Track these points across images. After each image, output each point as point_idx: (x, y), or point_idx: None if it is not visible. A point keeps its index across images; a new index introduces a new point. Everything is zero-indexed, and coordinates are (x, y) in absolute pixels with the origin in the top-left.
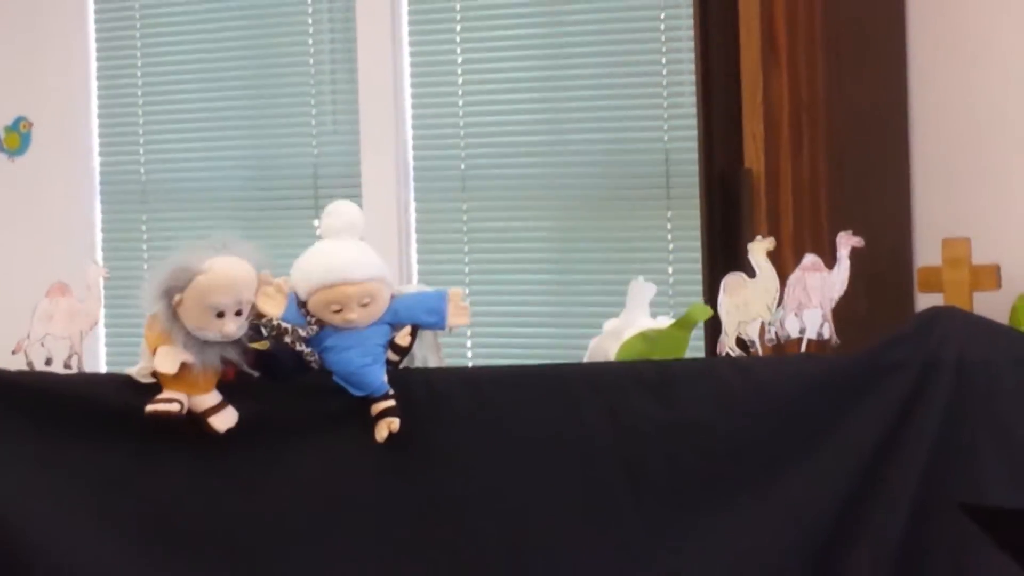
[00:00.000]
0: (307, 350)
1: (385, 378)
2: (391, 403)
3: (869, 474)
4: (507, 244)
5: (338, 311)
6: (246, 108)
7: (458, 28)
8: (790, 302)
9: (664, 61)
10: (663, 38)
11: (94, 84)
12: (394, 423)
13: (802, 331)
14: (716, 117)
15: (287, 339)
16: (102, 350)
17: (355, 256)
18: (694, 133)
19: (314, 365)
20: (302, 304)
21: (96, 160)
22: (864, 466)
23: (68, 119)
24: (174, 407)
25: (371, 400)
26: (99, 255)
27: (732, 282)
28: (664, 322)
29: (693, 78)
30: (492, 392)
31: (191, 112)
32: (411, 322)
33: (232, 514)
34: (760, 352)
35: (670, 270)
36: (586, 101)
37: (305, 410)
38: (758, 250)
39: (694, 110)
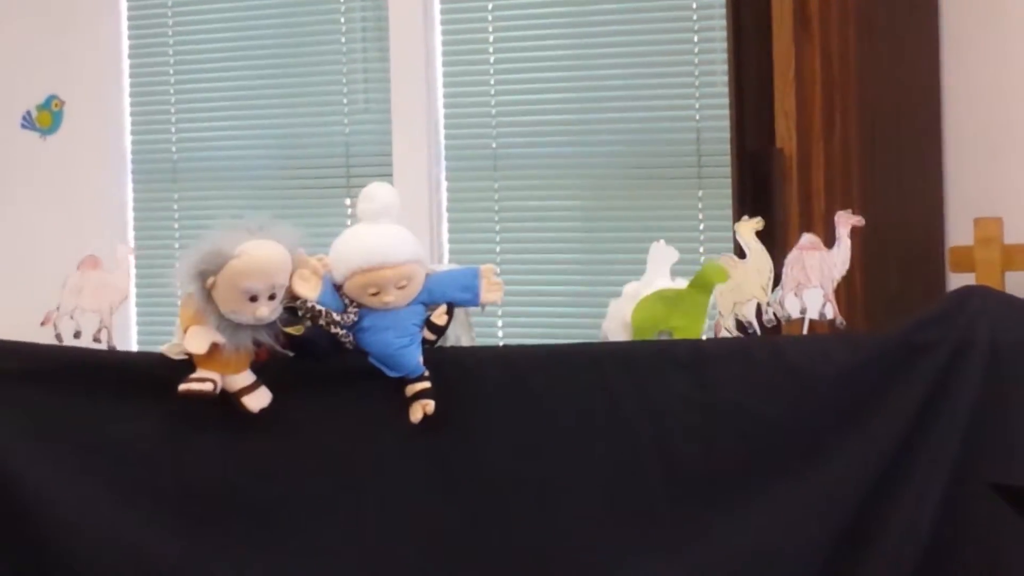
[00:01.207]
0: (342, 331)
1: (421, 359)
2: (427, 385)
3: (901, 455)
4: (538, 222)
5: (375, 294)
6: (278, 87)
7: (490, 7)
8: (788, 282)
9: (696, 39)
10: (695, 16)
11: (126, 63)
12: (429, 405)
13: (803, 311)
14: (748, 95)
15: (322, 322)
16: (133, 328)
17: (392, 240)
18: (726, 112)
19: (349, 346)
20: (338, 287)
21: (128, 139)
22: (896, 447)
23: (100, 98)
24: (207, 387)
25: (405, 381)
26: (130, 234)
27: (724, 264)
28: (683, 284)
29: (725, 56)
30: (524, 371)
31: (223, 91)
32: (444, 300)
33: (264, 493)
34: (758, 333)
35: (701, 249)
36: (617, 79)
37: (339, 391)
38: (746, 230)
39: (726, 88)
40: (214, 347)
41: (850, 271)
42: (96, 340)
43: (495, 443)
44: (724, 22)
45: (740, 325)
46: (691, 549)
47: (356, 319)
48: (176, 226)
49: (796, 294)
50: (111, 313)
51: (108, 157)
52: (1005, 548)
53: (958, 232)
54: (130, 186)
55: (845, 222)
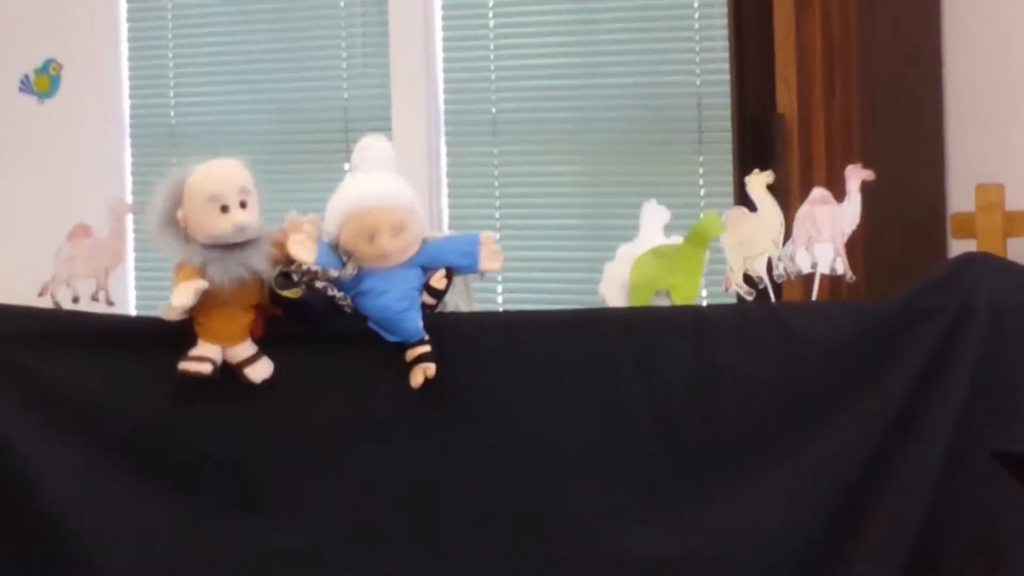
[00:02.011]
0: (339, 294)
1: (421, 323)
2: (427, 348)
3: (903, 419)
4: (538, 188)
5: (370, 239)
6: (276, 50)
7: None
8: (799, 236)
9: (696, 4)
10: None
11: (124, 26)
12: (430, 368)
13: (814, 266)
14: (748, 61)
15: (319, 283)
16: (132, 293)
17: (388, 184)
18: (726, 77)
19: (347, 310)
20: (335, 247)
21: (126, 102)
22: (898, 411)
23: (98, 61)
24: (205, 368)
25: (405, 345)
26: (128, 198)
27: (734, 217)
28: (678, 239)
29: (725, 21)
30: (525, 337)
31: (221, 54)
32: (443, 263)
33: (265, 458)
34: (769, 287)
35: (701, 216)
36: (618, 45)
37: (339, 355)
38: (757, 183)
39: (726, 54)
40: (214, 308)
41: (852, 237)
42: (95, 299)
43: (495, 408)
44: None
45: (749, 279)
46: (690, 515)
47: (354, 272)
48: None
49: (807, 248)
50: (107, 276)
51: (106, 121)
52: (1004, 512)
53: (959, 198)
54: (128, 150)
55: (856, 176)
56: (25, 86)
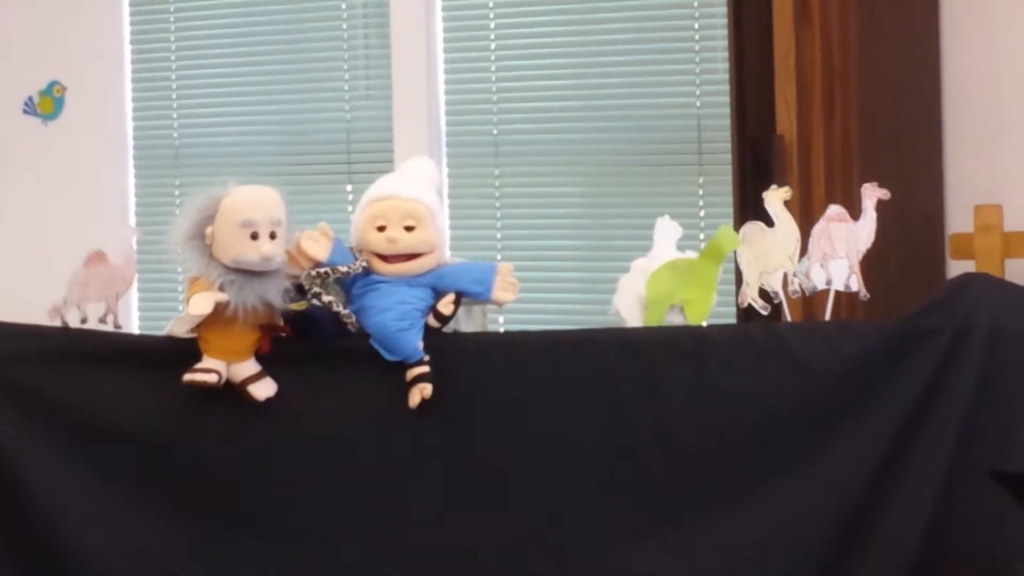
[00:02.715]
0: (344, 311)
1: (420, 344)
2: (425, 369)
3: (902, 442)
4: (539, 209)
5: (381, 228)
6: (279, 73)
7: None
8: (815, 252)
9: (697, 27)
10: (696, 3)
11: (127, 48)
12: (426, 389)
13: (828, 282)
14: (748, 82)
15: (325, 298)
16: (135, 314)
17: (412, 180)
18: (726, 99)
19: (351, 328)
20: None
21: (129, 124)
22: (897, 434)
23: (101, 83)
24: (211, 378)
25: (406, 365)
26: (132, 220)
27: (750, 232)
28: (693, 255)
29: (726, 43)
30: (526, 357)
31: (224, 77)
32: (455, 288)
33: (265, 477)
34: (784, 303)
35: (701, 236)
36: (619, 66)
37: (340, 374)
38: (774, 199)
39: (726, 75)
40: (221, 326)
41: None
42: (102, 322)
43: (496, 428)
44: (725, 9)
45: (764, 294)
46: (692, 533)
47: (364, 265)
48: (177, 212)
49: (822, 265)
50: (117, 300)
51: (110, 143)
52: (1003, 529)
53: (958, 219)
54: (132, 172)
55: (871, 194)
56: (29, 108)
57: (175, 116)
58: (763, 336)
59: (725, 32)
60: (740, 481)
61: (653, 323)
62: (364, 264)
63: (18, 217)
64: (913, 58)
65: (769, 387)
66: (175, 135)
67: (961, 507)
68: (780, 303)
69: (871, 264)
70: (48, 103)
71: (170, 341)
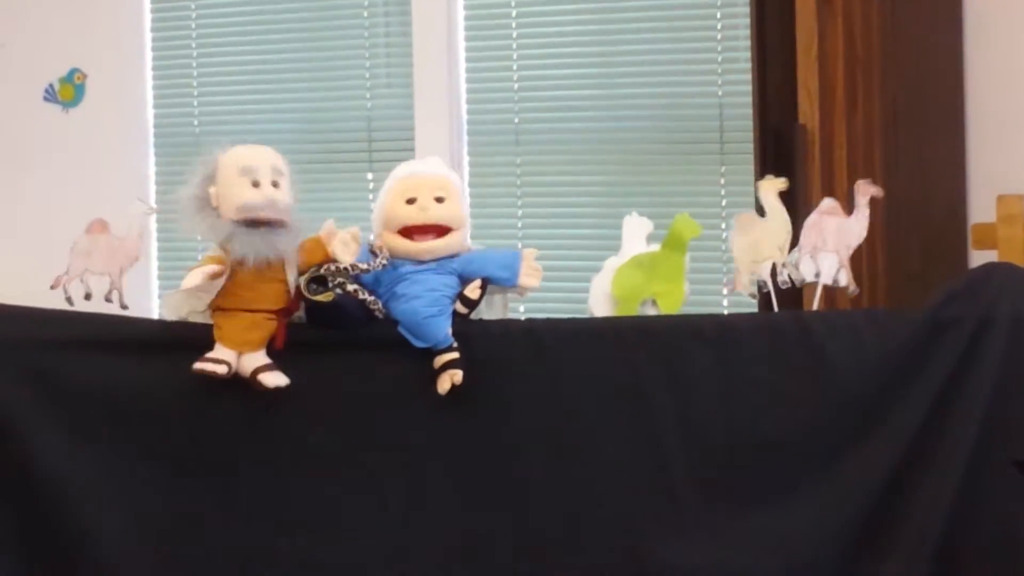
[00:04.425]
0: (370, 298)
1: (449, 331)
2: (455, 355)
3: (925, 432)
4: (561, 198)
5: (411, 201)
6: (300, 61)
7: None
8: (805, 244)
9: (719, 15)
10: None
11: (148, 35)
12: (457, 375)
13: (817, 275)
14: (771, 72)
15: (351, 286)
16: (155, 302)
17: (439, 162)
18: (748, 88)
19: (378, 314)
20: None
21: (150, 112)
22: (920, 424)
23: (122, 70)
24: (221, 368)
25: (433, 352)
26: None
27: (743, 220)
28: (655, 248)
29: (748, 32)
30: (549, 343)
31: (245, 64)
32: (482, 274)
33: (289, 469)
34: (772, 293)
35: (723, 226)
36: (640, 55)
37: (367, 361)
38: (768, 189)
39: (748, 65)
40: (233, 315)
41: (872, 248)
42: (108, 301)
43: (519, 416)
44: None
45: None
46: (712, 527)
47: (385, 263)
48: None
49: (812, 257)
50: (121, 275)
51: (130, 130)
52: None
53: (980, 209)
54: (152, 159)
55: (864, 191)
56: (50, 95)
57: (196, 104)
58: (788, 325)
59: (747, 21)
60: (763, 472)
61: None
62: (385, 261)
63: (39, 206)
64: (936, 47)
65: (792, 376)
66: (196, 123)
67: (984, 497)
68: (768, 292)
69: (892, 254)
70: (69, 90)
71: (187, 327)
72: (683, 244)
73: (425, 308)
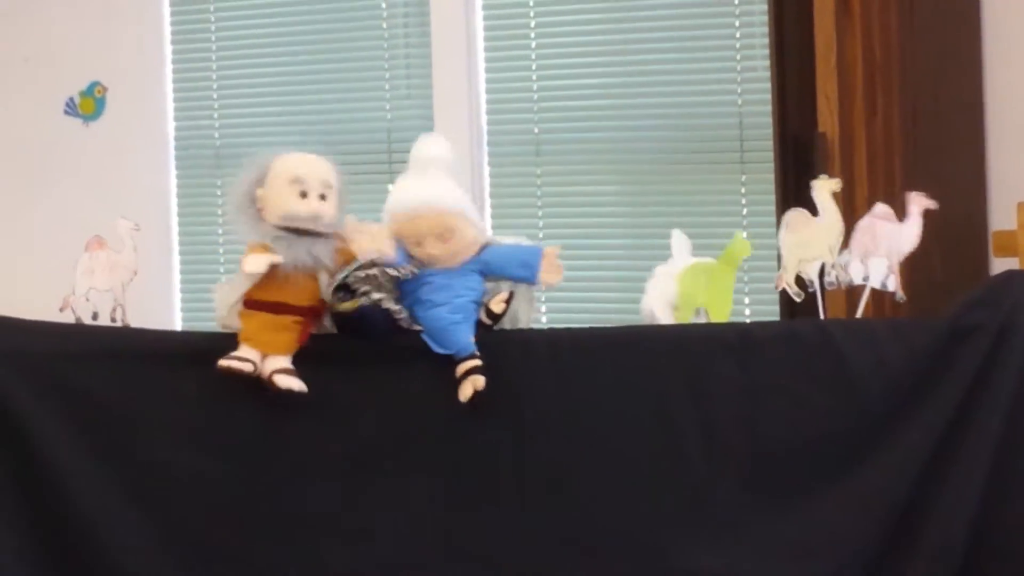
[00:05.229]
0: (396, 307)
1: (472, 339)
2: (477, 363)
3: (947, 441)
4: (581, 208)
5: (417, 245)
6: (320, 72)
7: None
8: (856, 247)
9: (738, 24)
10: (736, 0)
11: (168, 48)
12: (479, 381)
13: (865, 279)
14: (790, 80)
15: (376, 295)
16: (178, 315)
17: (431, 188)
18: (768, 96)
19: (404, 324)
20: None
21: (171, 125)
22: (942, 433)
23: (143, 84)
24: (247, 367)
25: (455, 360)
26: (174, 220)
27: (795, 219)
28: (711, 260)
29: (767, 40)
30: (572, 352)
31: (265, 76)
32: (502, 273)
33: (309, 478)
34: (819, 293)
35: (744, 235)
36: (660, 64)
37: (386, 370)
38: (822, 189)
39: (768, 73)
40: (261, 319)
41: None
42: (113, 320)
43: (539, 423)
44: (766, 6)
45: (800, 282)
46: (734, 534)
47: (415, 272)
48: (219, 212)
49: (862, 260)
50: (123, 290)
51: (151, 143)
52: None
53: (1001, 216)
54: (173, 172)
55: (917, 202)
56: (70, 109)
57: (216, 116)
58: (810, 333)
59: (766, 29)
60: (785, 480)
61: (684, 321)
62: (414, 271)
63: (60, 219)
64: (955, 54)
65: (814, 384)
66: (216, 135)
67: (1006, 506)
68: (815, 292)
69: (913, 261)
70: (89, 104)
71: (206, 338)
72: (736, 262)
73: (450, 315)
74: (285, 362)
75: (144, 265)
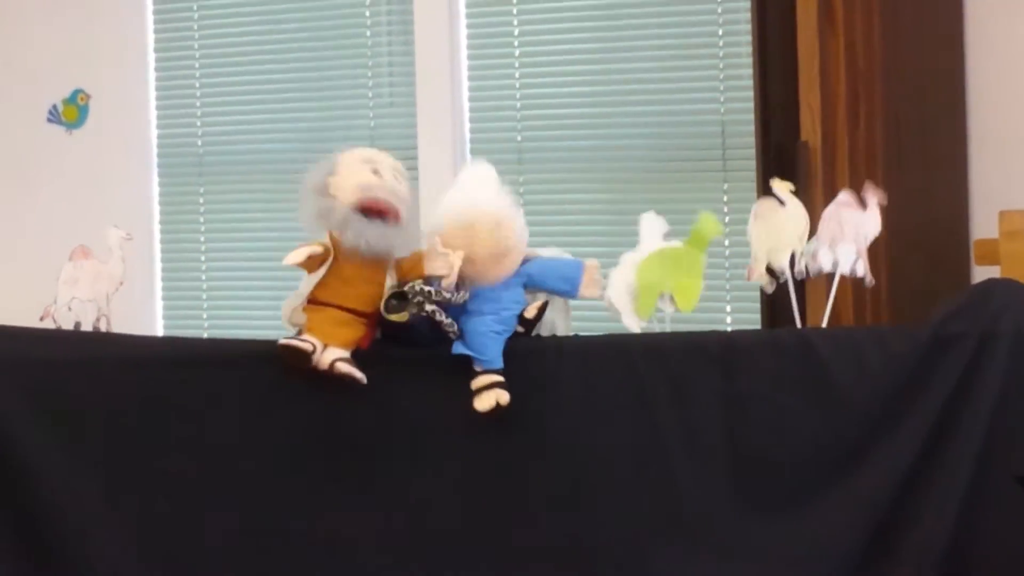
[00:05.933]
0: (447, 320)
1: (501, 354)
2: (499, 378)
3: (930, 448)
4: (564, 216)
5: (470, 262)
6: (303, 80)
7: (515, 0)
8: (824, 234)
9: (721, 32)
10: (720, 9)
11: (151, 56)
12: (504, 396)
13: (835, 265)
14: (773, 89)
15: (428, 306)
16: (160, 322)
17: (488, 199)
18: (751, 105)
19: (452, 336)
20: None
21: (154, 132)
22: (925, 440)
23: (125, 91)
24: (307, 346)
25: (472, 371)
26: (156, 227)
27: (763, 207)
28: (678, 244)
29: (750, 49)
30: (554, 361)
31: (248, 84)
32: (543, 286)
33: (334, 475)
34: (790, 282)
35: (726, 242)
36: (643, 73)
37: (402, 378)
38: (782, 187)
39: (751, 82)
40: (329, 315)
41: (875, 264)
42: (95, 329)
43: (523, 431)
44: (749, 15)
45: (771, 272)
46: (721, 544)
47: (466, 297)
48: (202, 219)
49: (830, 247)
50: (108, 301)
51: (134, 151)
52: None
53: (983, 225)
54: (156, 179)
55: (874, 192)
56: (53, 116)
57: (199, 124)
58: (792, 342)
59: (749, 39)
60: (769, 488)
61: (645, 311)
62: (467, 295)
63: (43, 226)
64: (937, 63)
65: (797, 393)
66: (199, 143)
67: (989, 512)
68: (786, 281)
69: (895, 269)
70: (72, 111)
71: (189, 345)
72: (705, 242)
73: (494, 324)
74: (344, 353)
75: (126, 273)
